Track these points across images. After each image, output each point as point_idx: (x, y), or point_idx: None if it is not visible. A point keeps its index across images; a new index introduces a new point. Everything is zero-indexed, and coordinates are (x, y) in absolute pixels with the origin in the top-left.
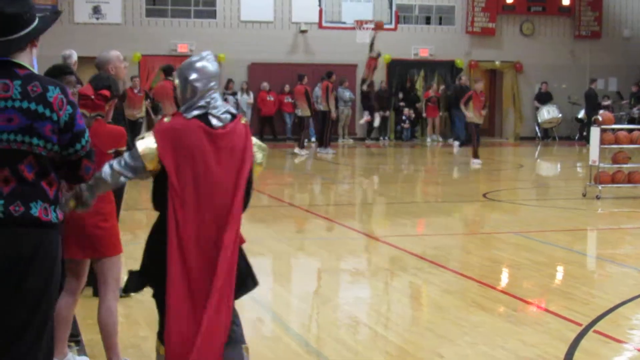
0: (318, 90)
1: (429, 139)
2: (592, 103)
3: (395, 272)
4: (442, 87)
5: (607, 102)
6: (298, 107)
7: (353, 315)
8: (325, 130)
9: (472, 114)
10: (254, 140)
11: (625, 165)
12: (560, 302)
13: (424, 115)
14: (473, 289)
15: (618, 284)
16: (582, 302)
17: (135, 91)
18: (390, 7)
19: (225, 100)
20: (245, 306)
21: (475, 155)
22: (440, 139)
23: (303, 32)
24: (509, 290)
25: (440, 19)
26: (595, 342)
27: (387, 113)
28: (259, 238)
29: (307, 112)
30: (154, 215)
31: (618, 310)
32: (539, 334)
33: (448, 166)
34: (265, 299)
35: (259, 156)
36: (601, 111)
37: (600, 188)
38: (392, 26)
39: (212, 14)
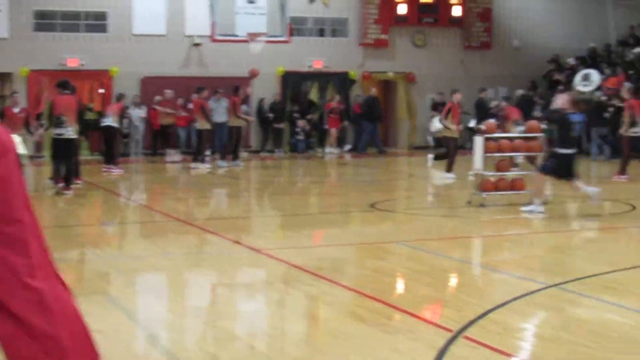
0: (218, 104)
1: (327, 150)
2: (483, 111)
3: (276, 285)
4: (337, 97)
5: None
6: (197, 120)
7: (229, 330)
8: (237, 144)
9: (452, 128)
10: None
11: (508, 173)
12: (435, 309)
13: (327, 126)
14: (351, 300)
15: (492, 290)
16: (455, 308)
17: (15, 110)
18: (284, 20)
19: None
20: (120, 322)
21: (449, 169)
22: (337, 151)
23: (196, 45)
24: (386, 300)
25: (334, 30)
26: (464, 348)
27: (282, 125)
28: (143, 254)
29: (206, 125)
30: None
31: (489, 315)
32: (411, 341)
33: (340, 177)
34: (141, 315)
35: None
36: (472, 122)
37: (484, 196)
38: (286, 38)
39: (103, 28)
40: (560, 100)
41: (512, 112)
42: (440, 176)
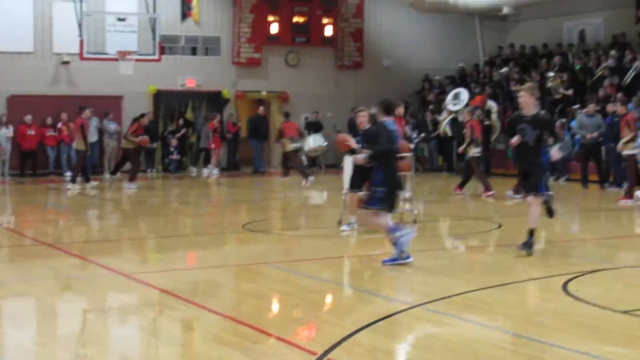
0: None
1: (210, 171)
2: (354, 130)
3: (144, 310)
4: (218, 117)
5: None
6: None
7: (94, 358)
8: (77, 166)
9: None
10: None
11: None
12: (301, 332)
13: (212, 146)
14: (218, 324)
15: (358, 311)
16: (321, 330)
17: None
18: (154, 38)
19: None
20: None
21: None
22: (217, 171)
23: (65, 63)
24: (253, 323)
25: (207, 49)
26: None
27: (155, 145)
28: (6, 280)
29: (82, 146)
30: None
31: (354, 337)
32: None
33: (213, 198)
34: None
35: None
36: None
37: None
38: (156, 57)
39: None
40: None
41: (288, 129)
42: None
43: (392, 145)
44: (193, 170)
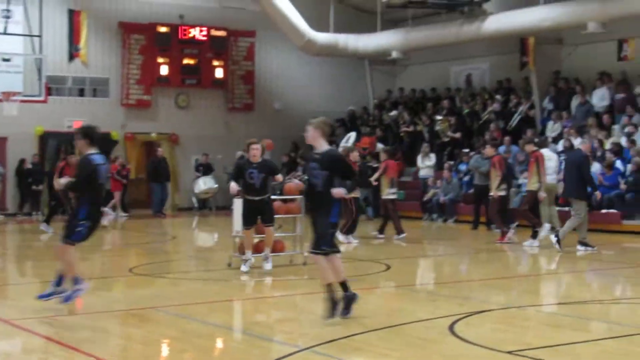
0: None
1: (110, 213)
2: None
3: (23, 358)
4: (120, 159)
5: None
6: None
7: None
8: None
9: (387, 189)
10: None
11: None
12: None
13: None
14: None
15: (246, 354)
16: None
17: None
18: (40, 79)
19: None
20: None
21: (400, 231)
22: (113, 214)
23: None
24: None
25: (95, 90)
26: None
27: (41, 187)
28: None
29: None
30: None
31: None
32: None
33: (100, 241)
34: None
35: None
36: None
37: (244, 258)
38: (42, 98)
39: None
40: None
41: None
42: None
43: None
44: None
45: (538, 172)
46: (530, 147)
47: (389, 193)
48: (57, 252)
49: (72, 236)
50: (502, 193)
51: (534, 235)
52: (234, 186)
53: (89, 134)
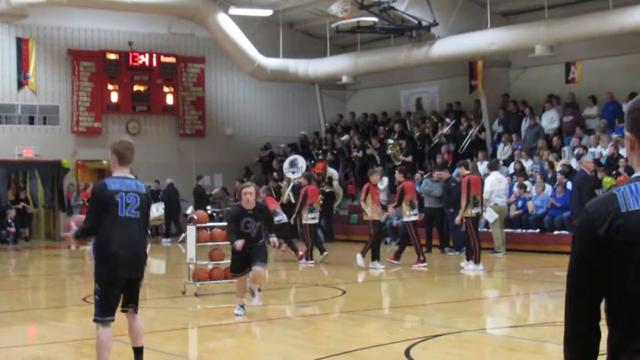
0: None
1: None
2: (201, 199)
3: None
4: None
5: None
6: None
7: None
8: None
9: (372, 211)
10: None
11: (221, 262)
12: None
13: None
14: None
15: None
16: None
17: None
18: None
19: None
20: None
21: (374, 257)
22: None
23: None
24: None
25: (45, 118)
26: None
27: None
28: None
29: None
30: None
31: None
32: None
33: (53, 270)
34: None
35: None
36: (190, 210)
37: (198, 285)
38: None
39: None
40: None
41: None
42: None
43: None
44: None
45: (468, 197)
46: (462, 171)
47: (308, 218)
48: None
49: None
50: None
51: (473, 259)
52: (239, 244)
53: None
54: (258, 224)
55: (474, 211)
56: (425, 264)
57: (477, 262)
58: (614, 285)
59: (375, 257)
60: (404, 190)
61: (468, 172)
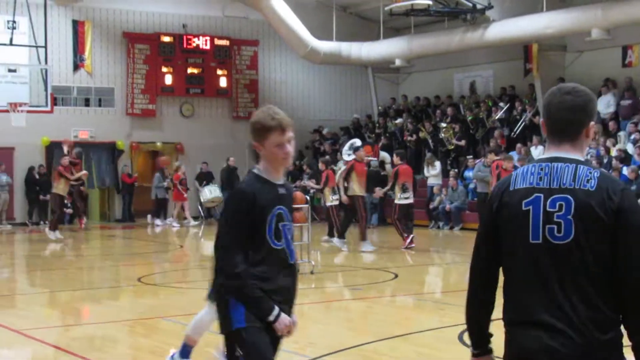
0: None
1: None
2: (231, 180)
3: None
4: (182, 168)
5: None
6: None
7: None
8: None
9: (358, 187)
10: None
11: None
12: None
13: (183, 196)
14: None
15: None
16: None
17: None
18: (46, 90)
19: None
20: None
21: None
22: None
23: None
24: None
25: (100, 100)
26: None
27: (48, 197)
28: None
29: None
30: None
31: None
32: None
33: (108, 250)
34: None
35: None
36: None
37: None
38: (48, 108)
39: None
40: None
41: None
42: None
43: None
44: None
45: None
46: (491, 157)
47: (401, 198)
48: None
49: None
50: None
51: None
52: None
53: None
54: None
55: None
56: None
57: None
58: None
59: (333, 234)
60: (398, 173)
61: (497, 157)
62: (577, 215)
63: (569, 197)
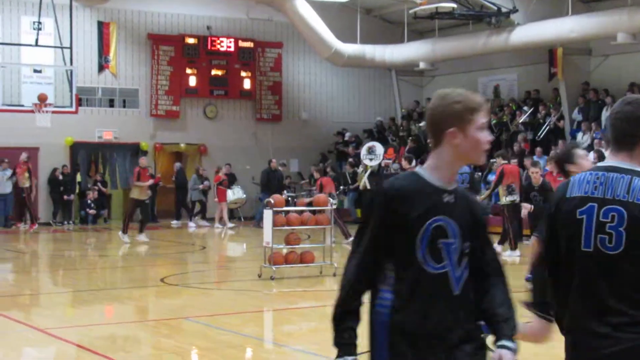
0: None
1: (191, 223)
2: (270, 183)
3: None
4: (224, 168)
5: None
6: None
7: None
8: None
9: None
10: None
11: (297, 246)
12: None
13: (216, 199)
14: None
15: None
16: None
17: None
18: (71, 90)
19: None
20: None
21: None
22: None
23: None
24: None
25: (124, 101)
26: None
27: (72, 197)
28: None
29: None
30: None
31: None
32: None
33: (131, 251)
34: None
35: None
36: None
37: (274, 269)
38: (73, 109)
39: None
40: None
41: None
42: None
43: None
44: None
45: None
46: (499, 161)
47: (506, 200)
48: None
49: None
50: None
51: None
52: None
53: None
54: None
55: (508, 198)
56: None
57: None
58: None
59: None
60: (504, 173)
61: (504, 161)
62: (628, 227)
63: (621, 209)
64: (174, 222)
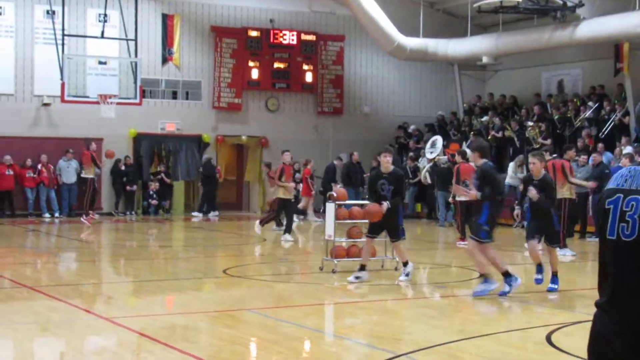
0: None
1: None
2: (330, 176)
3: (124, 356)
4: (312, 162)
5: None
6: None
7: None
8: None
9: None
10: None
11: (359, 240)
12: None
13: (310, 192)
14: None
15: (338, 358)
16: None
17: None
18: (135, 82)
19: None
20: None
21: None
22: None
23: (46, 105)
24: None
25: (187, 93)
26: None
27: (134, 187)
28: None
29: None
30: None
31: None
32: None
33: (193, 242)
34: None
35: None
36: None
37: (336, 262)
38: (137, 100)
39: None
40: None
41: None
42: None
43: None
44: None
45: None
46: (546, 156)
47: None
48: (467, 251)
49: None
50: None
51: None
52: (384, 206)
53: (481, 147)
54: (391, 188)
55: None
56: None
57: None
58: None
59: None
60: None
61: (551, 157)
62: None
63: (639, 197)
64: (212, 214)
